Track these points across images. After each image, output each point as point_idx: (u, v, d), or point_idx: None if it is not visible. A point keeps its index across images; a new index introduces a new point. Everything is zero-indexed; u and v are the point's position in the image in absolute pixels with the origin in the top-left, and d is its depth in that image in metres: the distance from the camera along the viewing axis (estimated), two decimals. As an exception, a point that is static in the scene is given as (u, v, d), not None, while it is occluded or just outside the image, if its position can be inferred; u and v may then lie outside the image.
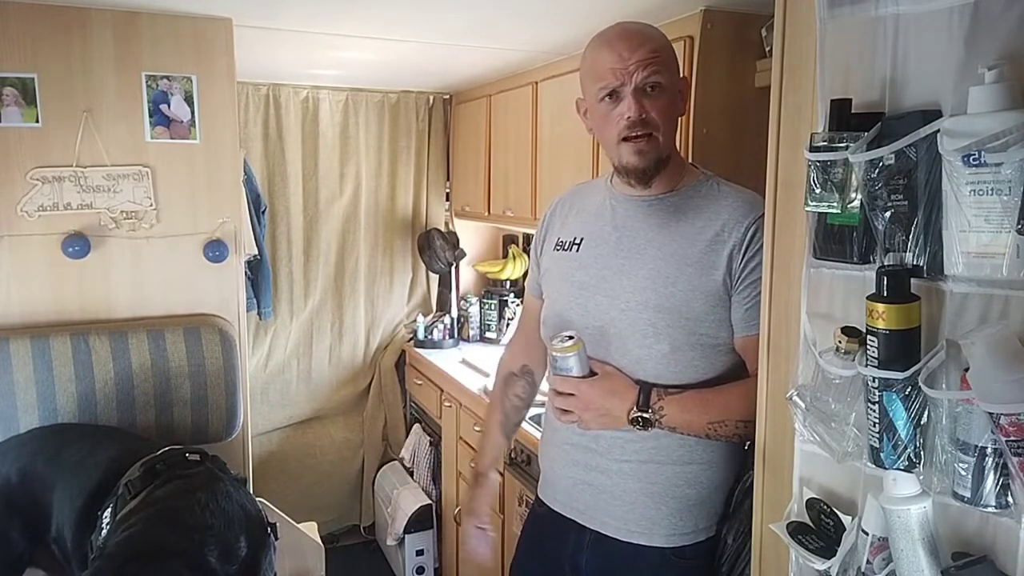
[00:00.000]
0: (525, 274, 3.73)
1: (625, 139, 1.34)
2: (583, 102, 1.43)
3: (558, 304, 1.49)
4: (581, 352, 1.36)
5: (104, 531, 1.50)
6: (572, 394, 1.37)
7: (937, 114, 0.97)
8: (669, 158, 1.40)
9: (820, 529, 1.19)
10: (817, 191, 1.09)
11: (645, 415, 1.33)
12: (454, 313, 3.77)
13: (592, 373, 1.38)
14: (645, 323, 1.36)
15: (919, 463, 1.00)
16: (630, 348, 1.38)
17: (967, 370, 0.91)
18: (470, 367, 3.19)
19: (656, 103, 1.33)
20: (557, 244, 1.51)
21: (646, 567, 1.42)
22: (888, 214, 1.00)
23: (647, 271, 1.38)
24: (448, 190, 3.83)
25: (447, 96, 3.75)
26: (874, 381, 1.01)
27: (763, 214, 1.25)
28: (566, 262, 1.48)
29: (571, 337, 1.35)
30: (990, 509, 0.93)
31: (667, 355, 1.36)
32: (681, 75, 1.42)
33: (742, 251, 1.35)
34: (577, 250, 1.46)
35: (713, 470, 1.44)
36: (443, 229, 3.78)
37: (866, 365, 1.01)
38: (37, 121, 2.05)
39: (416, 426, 3.55)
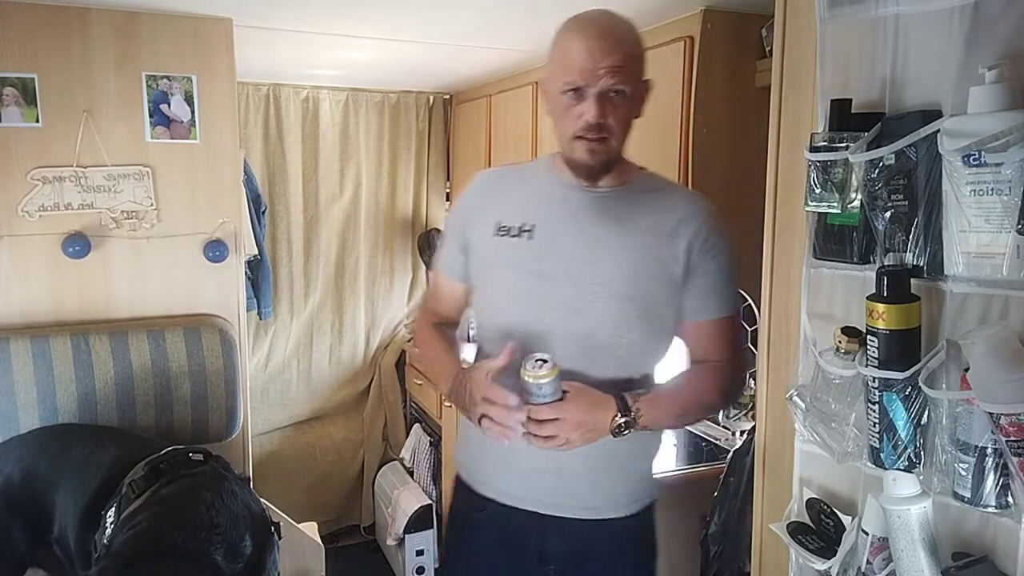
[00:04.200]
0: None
1: (579, 137, 1.34)
2: (545, 83, 1.40)
3: (507, 294, 1.43)
4: (559, 376, 1.29)
5: (108, 530, 1.50)
6: (556, 419, 1.31)
7: (937, 114, 0.97)
8: (619, 156, 1.43)
9: (820, 529, 1.19)
10: (817, 191, 1.09)
11: (627, 419, 1.33)
12: (454, 313, 3.76)
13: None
14: (616, 313, 1.37)
15: (919, 463, 1.00)
16: (599, 338, 1.38)
17: (967, 370, 0.91)
18: (470, 367, 3.20)
19: (617, 110, 1.35)
20: (500, 229, 1.42)
21: (609, 537, 1.46)
22: (888, 214, 1.00)
23: (614, 262, 1.38)
24: (448, 190, 3.83)
25: (447, 96, 3.75)
26: (874, 381, 1.01)
27: (714, 209, 1.42)
28: (516, 250, 1.41)
29: (546, 361, 1.28)
30: (990, 509, 0.93)
31: (636, 344, 1.39)
32: (645, 78, 1.45)
33: (699, 243, 1.40)
34: (530, 237, 1.40)
35: (661, 440, 1.56)
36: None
37: (866, 365, 1.02)
38: (37, 121, 2.05)
39: (416, 426, 3.55)
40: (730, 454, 1.90)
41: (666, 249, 1.39)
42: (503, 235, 1.42)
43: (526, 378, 1.28)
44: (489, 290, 1.48)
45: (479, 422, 1.33)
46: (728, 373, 1.47)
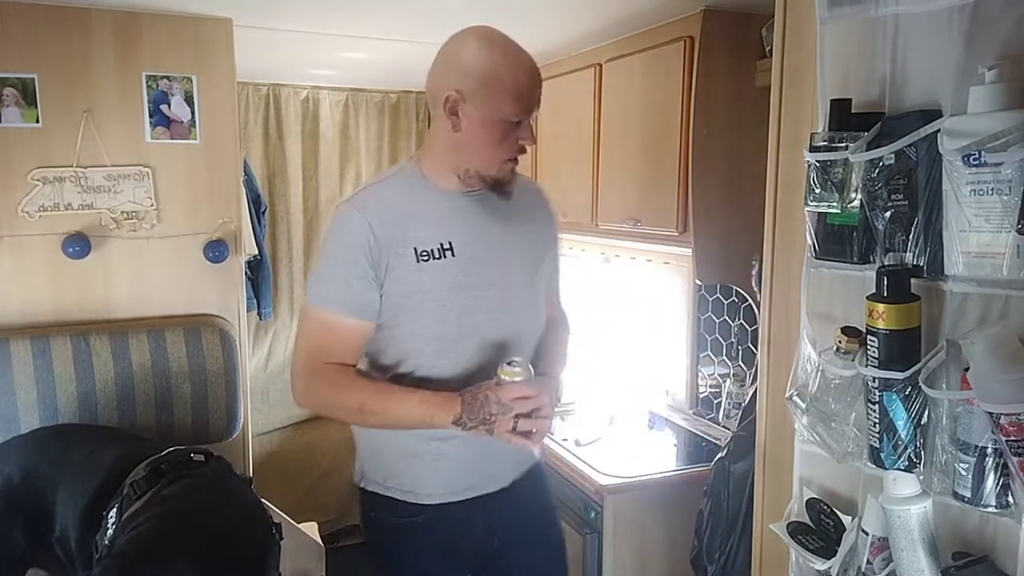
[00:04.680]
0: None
1: (510, 160, 1.47)
2: (460, 99, 1.41)
3: (439, 313, 1.47)
4: (530, 371, 1.41)
5: (110, 531, 1.50)
6: (535, 398, 1.40)
7: (937, 114, 0.97)
8: None
9: (820, 529, 1.19)
10: (817, 191, 1.09)
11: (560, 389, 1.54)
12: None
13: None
14: (529, 302, 1.57)
15: (919, 463, 1.00)
16: (522, 328, 1.56)
17: (967, 370, 0.91)
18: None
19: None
20: (421, 255, 1.45)
21: (537, 482, 1.66)
22: (888, 214, 1.00)
23: (518, 258, 1.55)
24: (448, 190, 3.83)
25: (447, 96, 3.74)
26: (874, 381, 1.01)
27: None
28: (442, 270, 1.46)
29: (518, 362, 1.40)
30: (990, 509, 0.93)
31: (540, 324, 1.62)
32: None
33: (555, 225, 1.69)
34: (452, 255, 1.46)
35: None
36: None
37: (866, 365, 1.02)
38: (37, 121, 2.05)
39: (416, 426, 3.55)
40: (714, 462, 1.86)
41: (543, 235, 1.64)
42: (427, 260, 1.45)
43: (504, 377, 1.39)
44: (420, 315, 1.47)
45: (513, 428, 1.39)
46: (565, 321, 1.75)
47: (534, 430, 1.39)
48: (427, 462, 1.51)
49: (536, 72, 1.45)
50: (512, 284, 1.53)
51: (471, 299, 1.48)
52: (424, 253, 1.46)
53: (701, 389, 2.55)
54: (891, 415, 1.00)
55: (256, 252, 3.07)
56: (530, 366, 1.41)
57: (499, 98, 1.41)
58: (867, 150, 1.01)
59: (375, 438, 1.54)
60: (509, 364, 1.39)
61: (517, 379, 1.37)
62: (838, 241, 1.10)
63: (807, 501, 1.21)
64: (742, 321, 2.38)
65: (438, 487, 1.52)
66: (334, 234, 1.49)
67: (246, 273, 2.70)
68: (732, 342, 2.42)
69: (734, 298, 2.40)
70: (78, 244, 2.08)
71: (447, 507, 1.51)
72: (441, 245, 1.46)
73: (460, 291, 1.47)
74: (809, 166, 1.10)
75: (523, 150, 1.47)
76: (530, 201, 1.63)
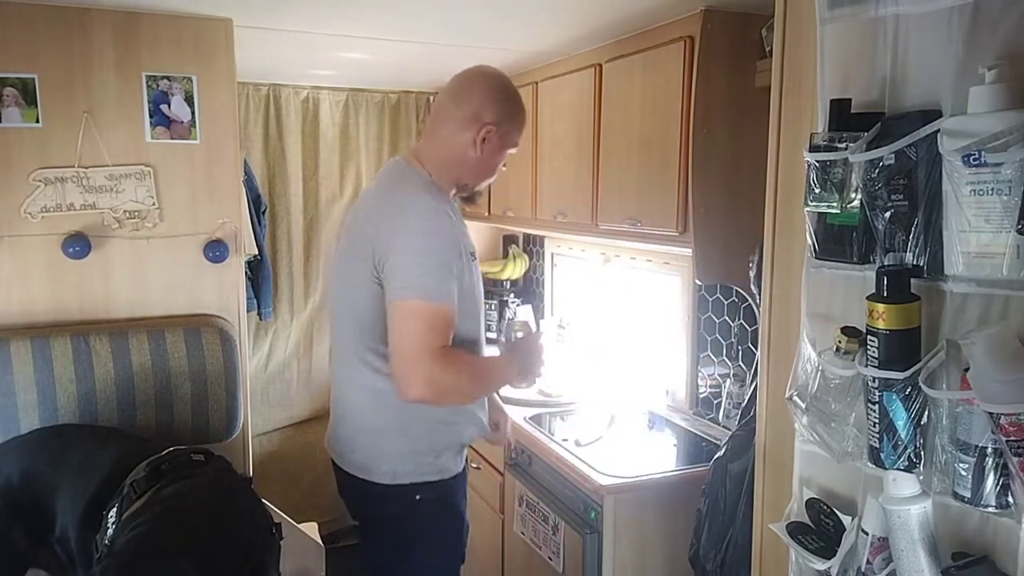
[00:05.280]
0: (525, 274, 3.74)
1: (491, 180, 1.83)
2: (495, 130, 1.72)
3: (481, 302, 1.83)
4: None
5: (110, 531, 1.50)
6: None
7: (937, 114, 0.97)
8: None
9: (820, 529, 1.19)
10: (817, 191, 1.09)
11: None
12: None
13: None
14: None
15: (919, 463, 1.00)
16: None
17: (967, 370, 0.91)
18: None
19: None
20: (472, 254, 1.74)
21: None
22: (888, 214, 1.00)
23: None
24: (448, 190, 3.83)
25: (447, 96, 3.74)
26: (874, 381, 1.01)
27: None
28: (476, 269, 1.77)
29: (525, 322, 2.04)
30: (990, 509, 0.93)
31: None
32: None
33: None
34: (473, 258, 1.75)
35: None
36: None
37: (866, 365, 1.02)
38: (37, 121, 2.05)
39: (416, 426, 3.55)
40: (712, 462, 1.87)
41: None
42: (473, 260, 1.75)
43: (519, 334, 1.98)
44: (474, 303, 1.77)
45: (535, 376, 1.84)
46: None
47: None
48: (456, 446, 1.80)
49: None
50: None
51: (481, 289, 1.83)
52: (471, 255, 1.73)
53: (701, 389, 2.55)
54: (891, 415, 1.00)
55: (256, 252, 3.06)
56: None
57: (515, 135, 1.79)
58: (867, 150, 1.02)
59: (418, 438, 1.75)
60: (521, 321, 1.91)
61: (519, 333, 1.90)
62: (838, 241, 1.10)
63: (807, 501, 1.21)
64: (742, 321, 2.38)
65: (459, 464, 1.83)
66: (428, 229, 1.64)
67: (246, 273, 2.70)
68: (732, 342, 2.42)
69: (734, 298, 2.40)
70: (78, 244, 2.08)
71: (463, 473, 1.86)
72: (471, 251, 1.74)
73: (478, 287, 1.80)
74: (809, 166, 1.10)
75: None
76: None
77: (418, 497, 1.74)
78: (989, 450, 0.91)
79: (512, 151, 1.80)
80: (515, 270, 3.71)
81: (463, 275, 1.67)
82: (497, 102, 1.72)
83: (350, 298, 1.74)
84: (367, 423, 1.76)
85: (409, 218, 1.63)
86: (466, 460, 1.87)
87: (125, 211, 2.15)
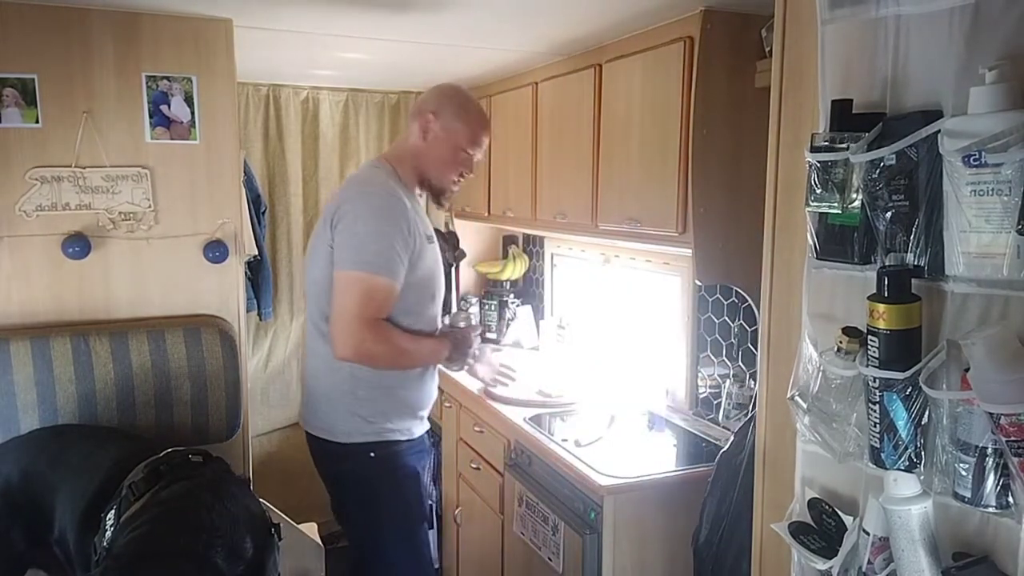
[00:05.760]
0: (525, 274, 3.74)
1: (454, 180, 2.02)
2: (435, 120, 1.96)
3: (438, 285, 2.02)
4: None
5: (108, 533, 1.50)
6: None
7: (938, 114, 0.97)
8: None
9: (822, 529, 1.19)
10: (818, 191, 1.09)
11: None
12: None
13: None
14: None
15: (920, 463, 1.00)
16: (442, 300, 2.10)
17: (967, 370, 0.91)
18: (470, 367, 3.20)
19: None
20: (428, 238, 1.96)
21: None
22: (889, 214, 1.00)
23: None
24: (448, 190, 3.83)
25: (447, 96, 3.74)
26: (875, 381, 1.01)
27: None
28: (434, 253, 1.99)
29: (468, 312, 2.11)
30: (991, 509, 0.93)
31: None
32: None
33: None
34: (435, 242, 2.00)
35: None
36: (443, 229, 3.77)
37: (867, 365, 1.02)
38: (37, 121, 2.05)
39: (416, 426, 3.55)
40: (717, 457, 1.87)
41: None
42: (431, 242, 1.96)
43: (461, 324, 2.10)
44: (426, 283, 1.94)
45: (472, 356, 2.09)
46: None
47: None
48: (406, 411, 2.00)
49: (488, 125, 2.06)
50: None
51: (440, 273, 2.04)
52: (427, 237, 1.93)
53: (701, 389, 2.55)
54: (892, 415, 1.00)
55: (256, 252, 3.06)
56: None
57: (464, 132, 1.97)
58: (868, 150, 1.02)
59: (367, 402, 1.93)
60: (467, 313, 2.05)
61: (461, 323, 2.06)
62: (839, 241, 1.10)
63: (808, 501, 1.21)
64: (742, 321, 2.38)
65: (415, 430, 2.03)
66: (380, 210, 1.84)
67: (246, 273, 2.70)
68: (732, 342, 2.42)
69: (734, 298, 2.40)
70: (78, 244, 2.08)
71: (422, 436, 2.08)
72: (429, 235, 1.96)
73: (440, 269, 2.02)
74: (810, 166, 1.10)
75: (463, 176, 2.02)
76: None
77: (372, 455, 1.93)
78: (989, 450, 0.91)
79: (472, 152, 2.00)
80: (515, 270, 3.71)
81: (420, 258, 1.88)
82: (442, 97, 2.00)
83: (311, 271, 1.97)
84: (322, 387, 1.97)
85: (363, 199, 1.87)
86: (430, 433, 2.12)
87: (121, 212, 2.15)
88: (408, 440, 2.00)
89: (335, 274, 1.82)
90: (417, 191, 2.02)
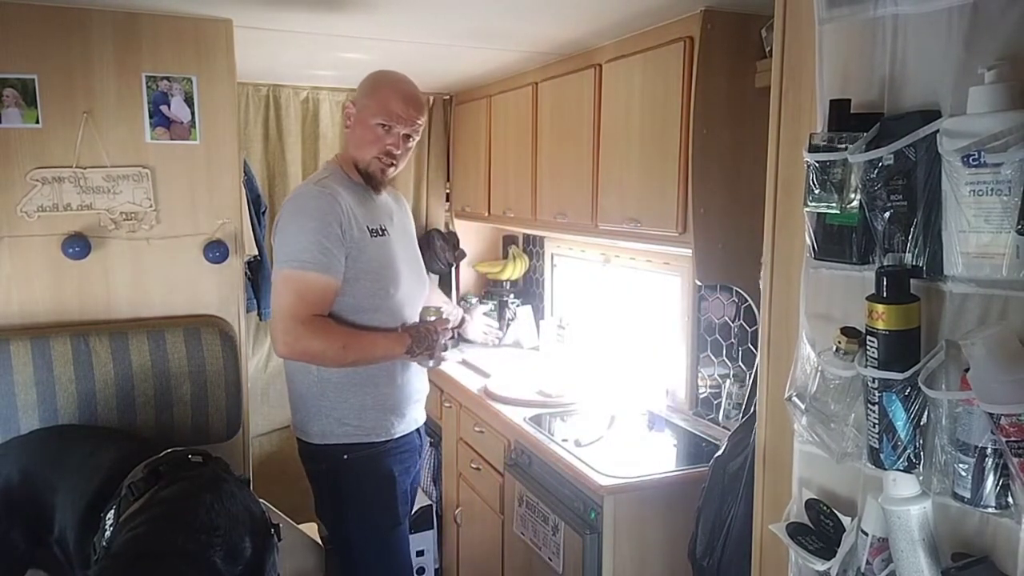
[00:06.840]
0: (525, 274, 3.73)
1: (378, 158, 1.95)
2: (353, 105, 1.99)
3: (393, 277, 1.97)
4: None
5: (108, 532, 1.50)
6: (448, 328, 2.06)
7: (936, 114, 0.96)
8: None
9: (820, 530, 1.19)
10: (816, 191, 1.09)
11: None
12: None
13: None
14: (421, 273, 2.16)
15: (919, 464, 1.00)
16: (423, 291, 2.15)
17: (967, 370, 0.91)
18: (470, 367, 3.19)
19: (405, 151, 2.00)
20: (372, 232, 1.93)
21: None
22: (887, 214, 1.00)
23: (411, 239, 2.16)
24: (448, 190, 3.83)
25: (447, 96, 3.74)
26: (874, 382, 1.00)
27: None
28: (384, 247, 1.96)
29: (439, 307, 2.07)
30: (990, 510, 0.93)
31: (424, 294, 2.17)
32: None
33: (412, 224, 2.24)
34: (388, 235, 1.98)
35: None
36: (443, 229, 3.77)
37: (866, 366, 1.01)
38: (37, 122, 2.05)
39: (416, 426, 3.55)
40: (712, 461, 1.86)
41: (411, 226, 2.21)
42: (376, 236, 1.94)
43: (431, 317, 2.02)
44: (373, 277, 1.92)
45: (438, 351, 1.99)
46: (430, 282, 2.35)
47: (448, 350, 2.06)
48: (380, 410, 1.98)
49: (413, 98, 1.97)
50: (419, 261, 2.16)
51: (407, 269, 2.03)
52: (372, 231, 1.93)
53: (701, 389, 2.55)
54: (890, 416, 1.00)
55: (256, 252, 3.06)
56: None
57: (372, 107, 1.93)
58: (866, 150, 1.01)
59: (337, 403, 1.95)
60: (435, 307, 2.02)
61: (443, 315, 2.03)
62: (837, 241, 1.10)
63: (806, 502, 1.21)
64: (742, 321, 2.37)
65: (412, 415, 2.07)
66: (306, 209, 1.85)
67: (246, 273, 2.70)
68: (732, 342, 2.42)
69: (734, 298, 2.40)
70: (78, 245, 2.08)
71: (414, 433, 2.09)
72: (379, 228, 1.96)
73: (400, 263, 2.00)
74: (808, 166, 1.10)
75: (390, 155, 1.95)
76: (399, 199, 2.21)
77: (346, 456, 1.95)
78: (989, 450, 0.91)
79: (389, 124, 1.93)
80: (515, 270, 3.71)
81: (362, 251, 1.88)
82: (362, 82, 2.03)
83: None
84: (297, 389, 2.01)
85: (291, 202, 1.91)
86: (430, 433, 2.15)
87: (122, 212, 2.15)
88: (386, 441, 1.99)
89: (271, 276, 1.89)
90: (360, 181, 2.00)
